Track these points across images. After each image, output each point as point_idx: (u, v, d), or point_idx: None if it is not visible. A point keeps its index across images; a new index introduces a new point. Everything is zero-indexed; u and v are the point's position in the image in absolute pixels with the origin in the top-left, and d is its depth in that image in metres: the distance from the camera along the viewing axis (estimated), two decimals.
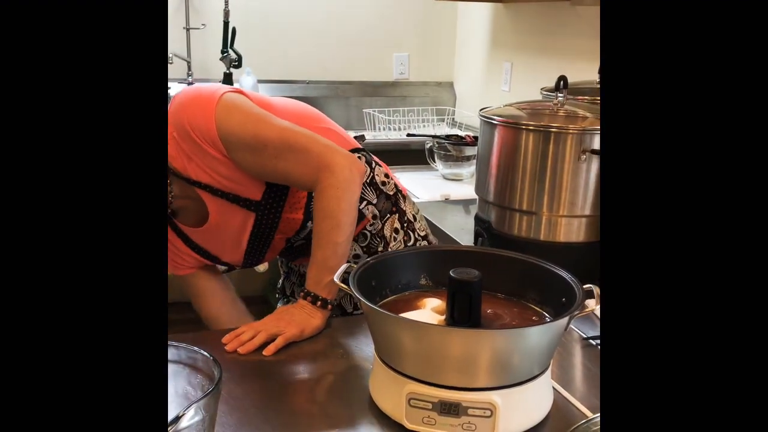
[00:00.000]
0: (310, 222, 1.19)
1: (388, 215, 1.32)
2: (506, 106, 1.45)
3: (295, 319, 1.04)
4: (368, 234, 1.29)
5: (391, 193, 1.33)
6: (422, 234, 1.37)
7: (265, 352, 1.00)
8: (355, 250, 1.28)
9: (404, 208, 1.35)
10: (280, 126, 1.12)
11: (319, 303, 1.06)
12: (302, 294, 1.08)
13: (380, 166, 1.34)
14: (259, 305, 3.12)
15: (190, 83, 2.90)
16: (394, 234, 1.32)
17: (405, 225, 1.34)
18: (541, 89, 1.84)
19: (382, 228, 1.31)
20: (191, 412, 0.61)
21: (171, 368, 0.72)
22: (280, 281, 1.49)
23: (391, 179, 1.34)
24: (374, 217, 1.29)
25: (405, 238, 1.33)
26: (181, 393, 0.73)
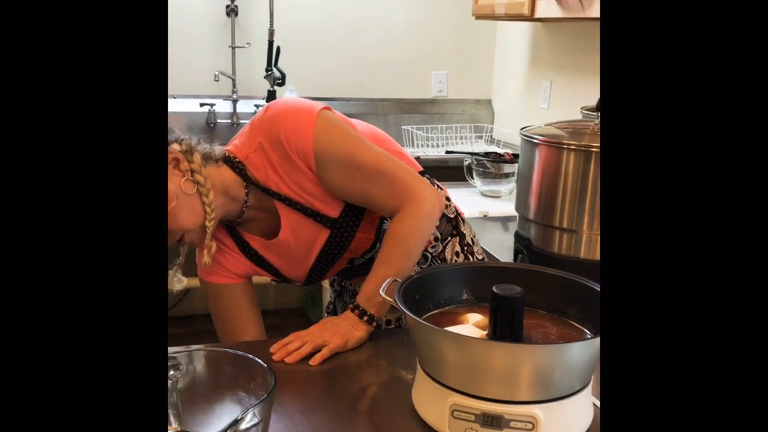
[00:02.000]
0: (379, 243, 1.20)
1: (449, 238, 1.32)
2: (547, 125, 1.47)
3: (340, 330, 1.08)
4: (429, 256, 1.30)
5: (452, 216, 1.33)
6: (479, 257, 1.37)
7: (311, 362, 1.03)
8: (414, 272, 1.28)
9: (464, 232, 1.35)
10: (374, 150, 1.14)
11: (365, 318, 1.09)
12: (351, 306, 1.10)
13: (441, 189, 1.35)
14: (297, 317, 3.17)
15: (234, 100, 2.98)
16: (455, 257, 1.32)
17: (465, 248, 1.34)
18: (581, 108, 1.85)
19: (443, 250, 1.31)
20: (249, 415, 0.65)
21: (228, 374, 0.77)
22: (331, 300, 1.48)
23: (452, 203, 1.35)
24: (435, 239, 1.30)
25: (465, 261, 1.33)
26: (236, 399, 0.77)
